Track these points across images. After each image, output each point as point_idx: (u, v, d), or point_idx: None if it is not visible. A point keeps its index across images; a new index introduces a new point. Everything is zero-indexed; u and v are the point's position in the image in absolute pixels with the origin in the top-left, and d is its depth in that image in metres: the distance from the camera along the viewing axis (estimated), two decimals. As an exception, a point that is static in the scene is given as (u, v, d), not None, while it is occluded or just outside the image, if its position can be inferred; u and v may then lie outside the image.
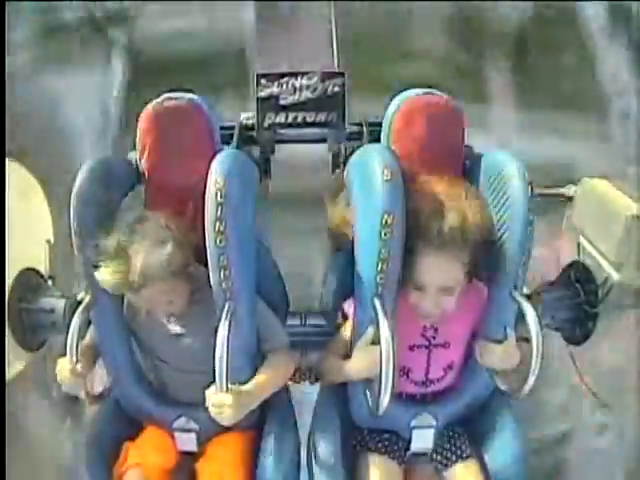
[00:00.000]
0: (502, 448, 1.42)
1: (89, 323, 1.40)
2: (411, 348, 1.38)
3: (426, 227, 1.20)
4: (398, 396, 1.40)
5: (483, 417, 1.47)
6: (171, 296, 1.30)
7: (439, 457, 1.46)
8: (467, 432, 1.48)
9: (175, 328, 1.37)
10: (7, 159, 1.75)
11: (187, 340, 1.38)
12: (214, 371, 1.19)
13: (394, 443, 1.45)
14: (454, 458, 1.44)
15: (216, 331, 1.22)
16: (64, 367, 1.28)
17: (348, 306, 1.38)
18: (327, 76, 1.72)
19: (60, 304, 1.64)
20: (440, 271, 1.24)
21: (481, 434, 1.46)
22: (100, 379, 1.46)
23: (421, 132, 1.41)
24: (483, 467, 1.43)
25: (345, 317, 1.43)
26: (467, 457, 1.44)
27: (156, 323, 1.37)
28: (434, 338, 1.38)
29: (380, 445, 1.45)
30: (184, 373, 1.41)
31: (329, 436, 1.40)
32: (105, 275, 1.23)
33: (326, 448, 1.39)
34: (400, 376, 1.39)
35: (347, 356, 1.35)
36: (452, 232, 1.19)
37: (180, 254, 1.26)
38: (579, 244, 1.73)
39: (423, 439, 1.44)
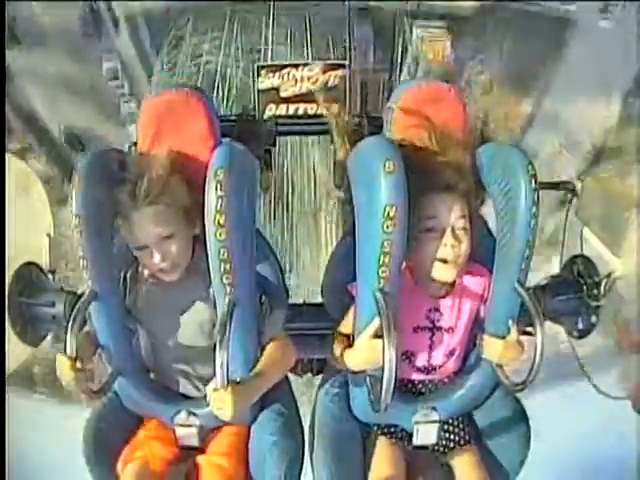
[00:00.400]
0: (503, 435, 1.42)
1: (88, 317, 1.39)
2: (415, 330, 1.38)
3: (435, 174, 1.30)
4: (400, 384, 1.40)
5: (485, 405, 1.46)
6: (168, 228, 1.30)
7: (439, 445, 1.46)
8: (467, 417, 1.48)
9: (172, 300, 1.38)
10: (7, 155, 1.74)
11: (183, 315, 1.38)
12: (214, 367, 1.18)
13: (399, 431, 1.45)
14: (452, 445, 1.44)
15: (214, 314, 1.22)
16: (64, 362, 1.28)
17: (352, 287, 1.37)
18: (328, 67, 1.69)
19: (60, 298, 1.63)
20: (453, 206, 1.31)
21: (482, 420, 1.46)
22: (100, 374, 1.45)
23: (423, 122, 1.40)
24: (482, 452, 1.43)
25: (352, 298, 1.42)
26: (466, 443, 1.44)
27: (155, 300, 1.38)
28: (438, 321, 1.38)
29: (386, 430, 1.45)
30: (182, 354, 1.41)
31: (330, 424, 1.40)
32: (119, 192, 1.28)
33: (327, 436, 1.39)
34: (403, 361, 1.39)
35: (350, 345, 1.35)
36: (455, 174, 1.31)
37: (188, 193, 1.32)
38: (582, 237, 1.72)
39: (426, 434, 1.44)
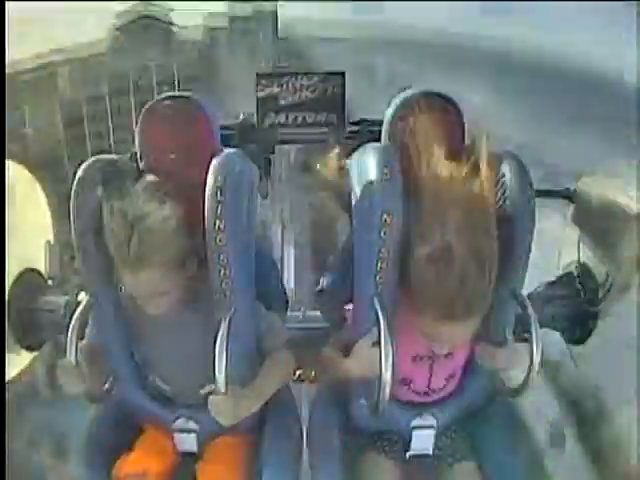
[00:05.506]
0: (501, 450, 1.42)
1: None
2: (414, 359, 1.37)
3: (432, 299, 1.13)
4: (398, 403, 1.40)
5: (483, 418, 1.47)
6: (163, 287, 1.24)
7: (438, 459, 1.46)
8: (467, 433, 1.48)
9: (175, 325, 1.36)
10: (7, 159, 1.76)
11: (187, 337, 1.37)
12: (214, 371, 1.19)
13: (393, 443, 1.45)
14: (451, 460, 1.44)
15: (215, 331, 1.22)
16: (65, 367, 1.28)
17: (349, 305, 1.37)
18: (327, 76, 1.71)
19: (60, 304, 1.64)
20: (452, 336, 1.19)
21: (481, 435, 1.46)
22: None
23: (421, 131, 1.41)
24: (482, 468, 1.43)
25: (346, 317, 1.43)
26: (465, 458, 1.44)
27: (158, 320, 1.35)
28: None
29: (378, 445, 1.45)
30: (184, 371, 1.41)
31: (327, 434, 1.40)
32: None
33: (324, 447, 1.39)
34: (401, 386, 1.39)
35: (347, 354, 1.35)
36: (462, 304, 1.11)
37: (180, 239, 1.23)
38: (579, 243, 1.73)
39: (423, 440, 1.44)
